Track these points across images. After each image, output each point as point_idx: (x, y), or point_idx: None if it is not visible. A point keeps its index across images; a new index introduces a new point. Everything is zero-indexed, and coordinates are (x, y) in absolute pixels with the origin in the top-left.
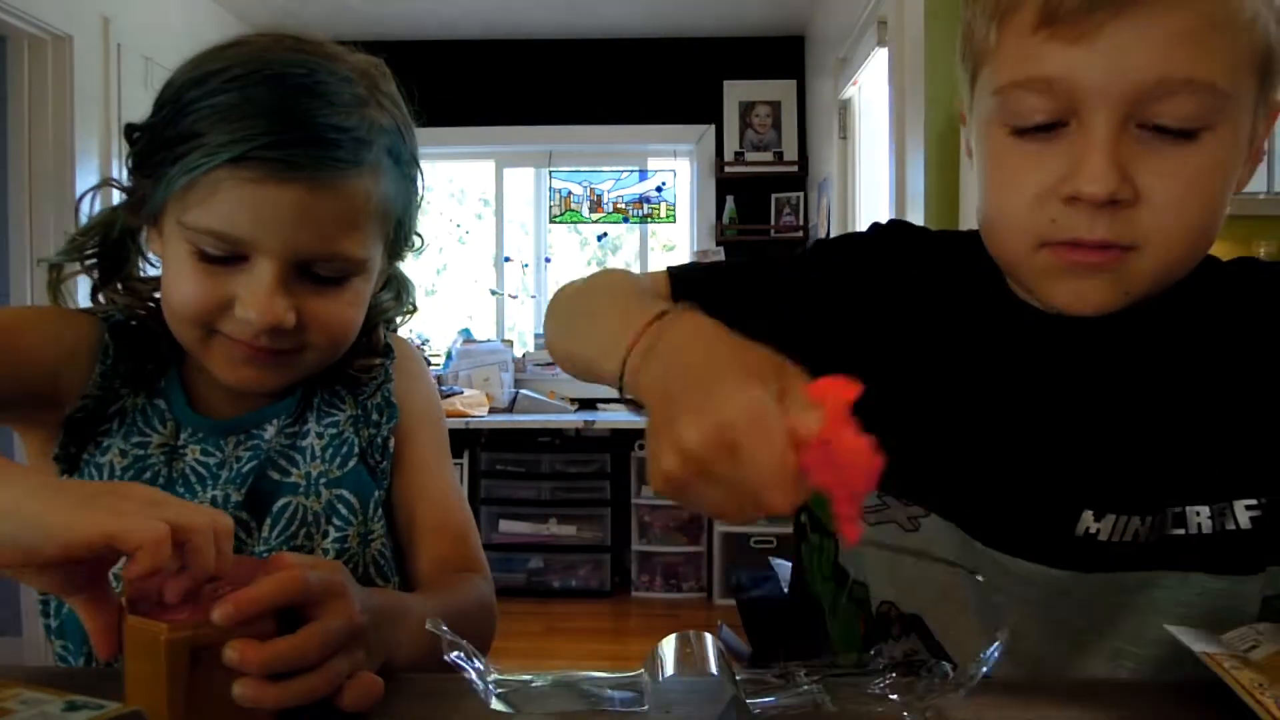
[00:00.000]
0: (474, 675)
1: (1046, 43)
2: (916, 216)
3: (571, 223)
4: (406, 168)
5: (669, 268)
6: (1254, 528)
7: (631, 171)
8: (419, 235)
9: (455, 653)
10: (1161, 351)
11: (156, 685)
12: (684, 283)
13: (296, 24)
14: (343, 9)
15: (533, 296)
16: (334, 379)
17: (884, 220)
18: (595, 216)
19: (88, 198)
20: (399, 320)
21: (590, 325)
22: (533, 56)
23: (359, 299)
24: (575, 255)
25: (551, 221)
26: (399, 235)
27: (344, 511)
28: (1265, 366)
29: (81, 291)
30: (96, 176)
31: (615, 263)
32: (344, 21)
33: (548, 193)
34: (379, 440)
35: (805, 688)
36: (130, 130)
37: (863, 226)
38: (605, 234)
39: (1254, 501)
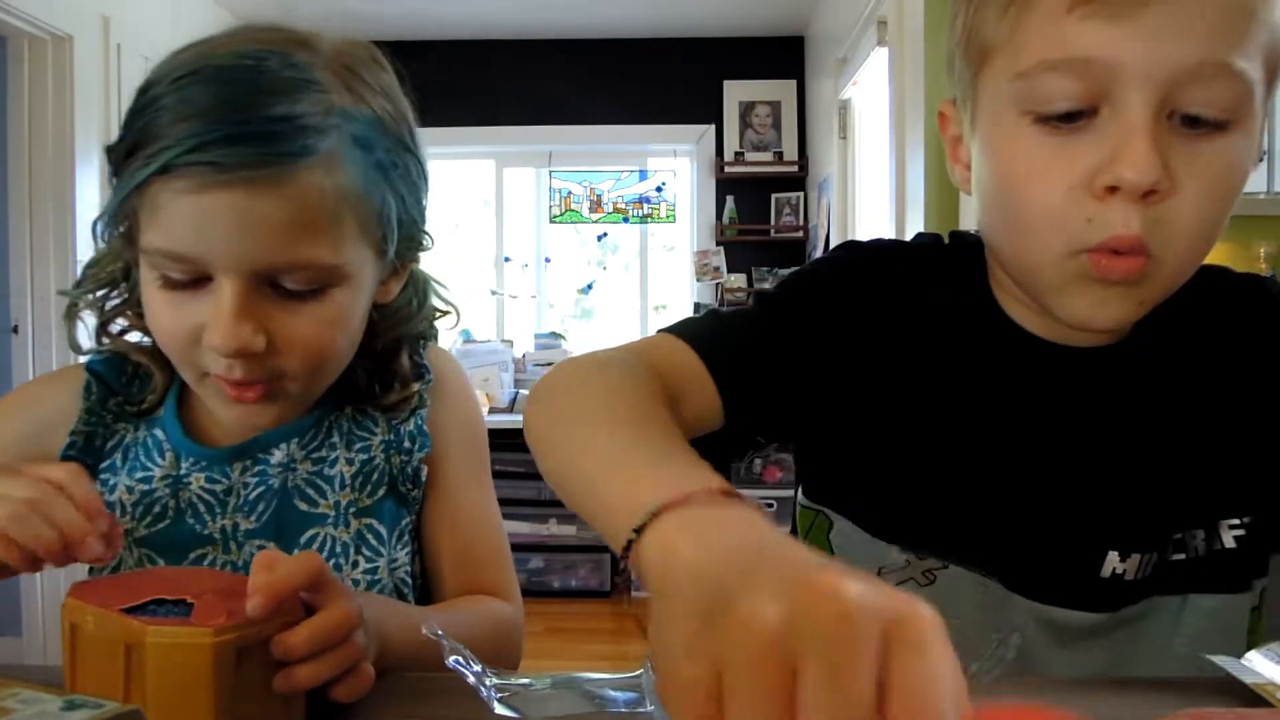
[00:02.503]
0: (474, 680)
1: (1083, 22)
2: (916, 216)
3: (571, 223)
4: (391, 156)
5: (686, 334)
6: (1238, 546)
7: (631, 171)
8: (427, 234)
9: (454, 657)
10: (1152, 377)
11: (195, 693)
12: (715, 352)
13: (295, 24)
14: (341, 9)
15: (533, 297)
16: (365, 403)
17: (855, 239)
18: (595, 216)
19: (100, 225)
20: (433, 329)
21: (586, 468)
22: (533, 56)
23: (342, 314)
24: (575, 255)
25: (551, 221)
26: (390, 234)
27: (373, 542)
28: (1245, 384)
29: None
30: (97, 177)
31: (615, 262)
32: (343, 22)
33: (548, 193)
34: (410, 469)
35: None
36: (109, 152)
37: (863, 226)
38: (605, 234)
39: (1236, 521)
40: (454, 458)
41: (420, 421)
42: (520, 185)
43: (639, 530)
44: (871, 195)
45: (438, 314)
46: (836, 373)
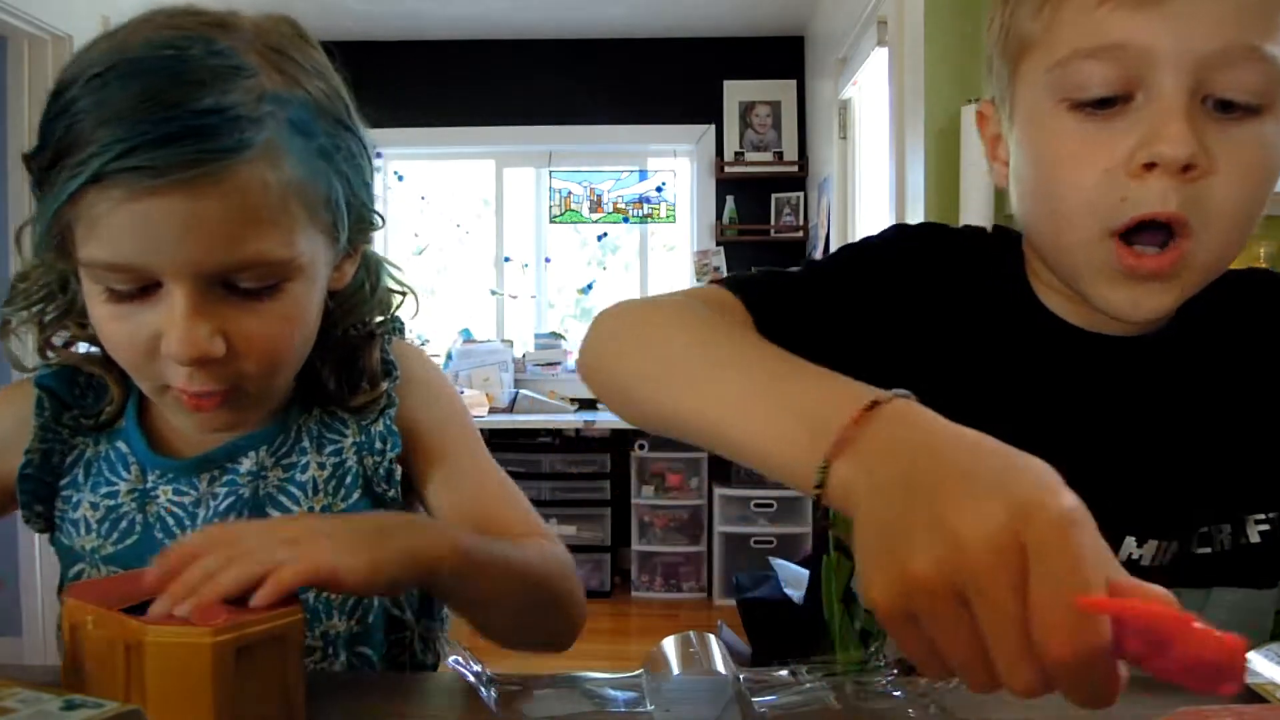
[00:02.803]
0: (474, 679)
1: (1114, 12)
2: (916, 216)
3: (571, 223)
4: (332, 139)
5: (730, 284)
6: (1263, 542)
7: (631, 171)
8: (377, 214)
9: (454, 657)
10: (1184, 370)
11: (195, 693)
12: (761, 304)
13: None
14: (341, 9)
15: (533, 297)
16: (333, 405)
17: (905, 222)
18: (595, 216)
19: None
20: (397, 320)
21: (712, 388)
22: (533, 56)
23: (299, 309)
24: (575, 255)
25: (551, 221)
26: (340, 219)
27: None
28: (1272, 381)
29: None
30: None
31: (615, 262)
32: (343, 21)
33: (548, 193)
34: (383, 470)
35: (809, 685)
36: (28, 162)
37: (863, 226)
38: (605, 234)
39: (1262, 516)
40: (446, 437)
41: (389, 421)
42: (520, 185)
43: (820, 485)
44: (871, 195)
45: (395, 298)
46: (875, 346)
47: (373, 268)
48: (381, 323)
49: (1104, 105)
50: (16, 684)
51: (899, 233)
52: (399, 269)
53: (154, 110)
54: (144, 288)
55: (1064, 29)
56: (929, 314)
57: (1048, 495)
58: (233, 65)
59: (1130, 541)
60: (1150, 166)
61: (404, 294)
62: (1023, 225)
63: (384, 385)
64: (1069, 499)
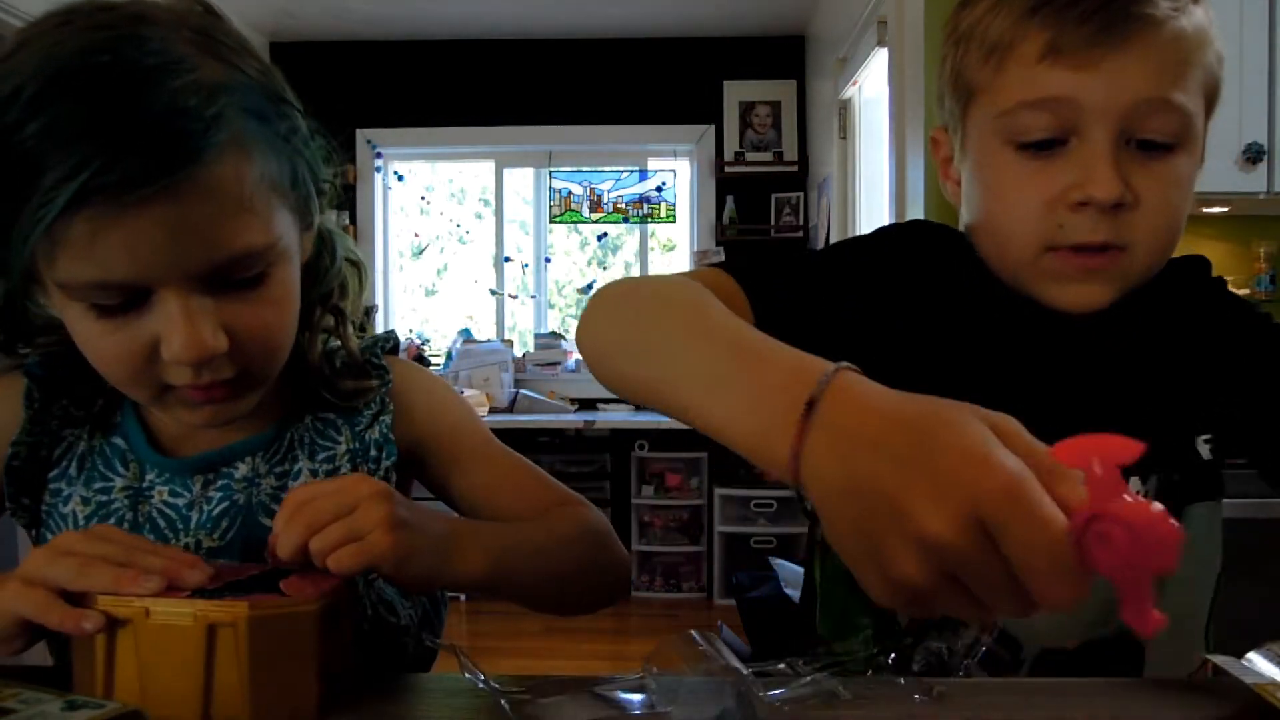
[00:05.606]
0: (482, 684)
1: (1051, 70)
2: (916, 216)
3: (571, 223)
4: (285, 121)
5: (729, 267)
6: (1213, 458)
7: (631, 171)
8: (328, 182)
9: (466, 675)
10: (1136, 339)
11: (298, 658)
12: (758, 289)
13: (295, 23)
14: (342, 9)
15: (533, 296)
16: (323, 407)
17: (895, 221)
18: (595, 216)
19: None
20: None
21: (686, 367)
22: (533, 56)
23: (285, 290)
24: (575, 255)
25: (551, 221)
26: (307, 197)
27: None
28: (1198, 342)
29: None
30: None
31: (616, 262)
32: (344, 21)
33: (548, 193)
34: (378, 477)
35: (810, 678)
36: None
37: (863, 226)
38: (605, 234)
39: (1208, 436)
40: (460, 436)
41: (385, 429)
42: (520, 185)
43: (795, 469)
44: (871, 195)
45: (350, 266)
46: (860, 334)
47: (327, 238)
48: (343, 292)
49: (1043, 147)
50: (18, 684)
51: (885, 230)
52: (351, 239)
53: (114, 121)
54: (131, 300)
55: (1009, 81)
56: (910, 303)
57: (977, 469)
58: (171, 60)
59: (1135, 481)
60: (1083, 204)
61: (356, 264)
62: (972, 237)
63: (374, 382)
64: (986, 447)
